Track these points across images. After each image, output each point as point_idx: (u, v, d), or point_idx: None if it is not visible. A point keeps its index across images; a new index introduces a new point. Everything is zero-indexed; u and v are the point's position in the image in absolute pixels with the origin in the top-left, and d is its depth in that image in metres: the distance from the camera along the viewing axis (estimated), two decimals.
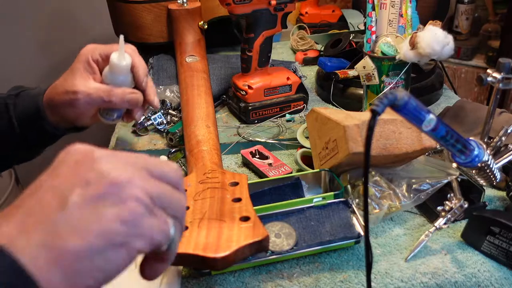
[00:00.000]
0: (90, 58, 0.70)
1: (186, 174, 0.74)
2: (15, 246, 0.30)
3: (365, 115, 0.67)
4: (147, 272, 0.38)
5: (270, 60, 0.94)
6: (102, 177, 0.33)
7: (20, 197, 0.33)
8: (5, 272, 0.29)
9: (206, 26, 1.05)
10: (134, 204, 0.33)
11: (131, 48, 0.71)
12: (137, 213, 0.33)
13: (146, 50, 1.08)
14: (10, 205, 0.33)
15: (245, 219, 0.53)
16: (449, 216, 0.61)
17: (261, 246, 0.51)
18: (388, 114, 0.61)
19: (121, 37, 0.67)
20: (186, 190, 0.51)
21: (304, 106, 0.95)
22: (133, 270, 0.60)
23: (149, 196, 0.35)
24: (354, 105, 0.93)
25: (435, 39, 0.72)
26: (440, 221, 0.61)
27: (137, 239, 0.33)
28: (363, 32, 1.08)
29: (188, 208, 0.56)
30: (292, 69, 1.05)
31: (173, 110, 0.94)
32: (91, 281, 0.32)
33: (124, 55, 0.68)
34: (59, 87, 0.70)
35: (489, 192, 0.70)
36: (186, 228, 0.52)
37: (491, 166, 0.57)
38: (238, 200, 0.57)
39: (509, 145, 0.65)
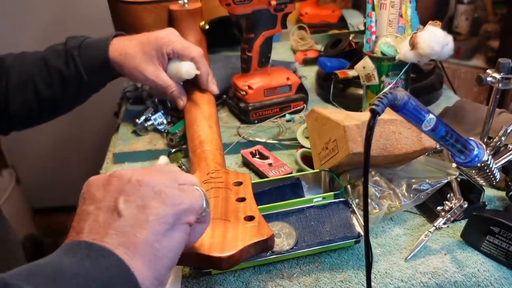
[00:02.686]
0: (165, 50, 0.82)
1: None
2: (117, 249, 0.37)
3: (365, 115, 0.67)
4: (192, 236, 0.45)
5: (270, 60, 0.94)
6: (130, 182, 0.40)
7: (72, 228, 0.40)
8: (114, 267, 0.36)
9: (207, 27, 1.05)
10: (167, 190, 0.41)
11: (198, 52, 0.84)
12: (174, 194, 0.41)
13: None
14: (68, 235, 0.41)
15: (250, 218, 0.54)
16: (448, 216, 0.61)
17: (266, 245, 0.52)
18: (388, 114, 0.61)
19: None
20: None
21: (304, 106, 0.95)
22: None
23: (172, 179, 0.43)
24: (354, 105, 0.93)
25: (435, 40, 0.73)
26: (440, 221, 0.61)
27: (184, 214, 0.41)
28: (363, 32, 1.08)
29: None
30: (292, 69, 1.05)
31: (174, 110, 0.94)
32: (166, 260, 0.39)
33: (194, 71, 0.83)
34: (130, 60, 0.81)
35: (489, 192, 0.70)
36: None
37: (490, 166, 0.57)
38: (242, 199, 0.57)
39: (508, 145, 0.65)
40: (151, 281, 0.38)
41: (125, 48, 0.81)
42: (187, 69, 0.83)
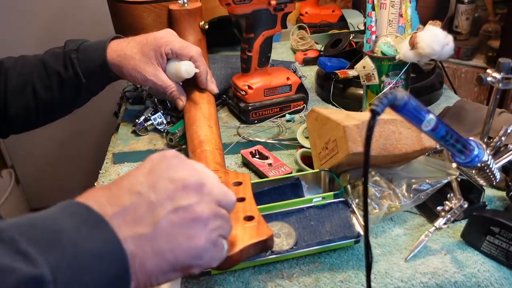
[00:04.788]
0: (163, 50, 0.82)
1: None
2: (121, 232, 0.37)
3: (365, 115, 0.67)
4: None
5: (270, 60, 0.94)
6: (188, 209, 0.40)
7: (120, 183, 0.41)
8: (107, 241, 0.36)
9: (207, 26, 1.05)
10: (210, 234, 0.42)
11: (197, 51, 0.84)
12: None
13: None
14: (109, 185, 0.41)
15: (249, 218, 0.54)
16: (449, 216, 0.61)
17: (266, 245, 0.52)
18: (388, 114, 0.61)
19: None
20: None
21: (304, 106, 0.95)
22: None
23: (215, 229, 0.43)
24: (354, 105, 0.93)
25: (435, 39, 0.72)
26: (440, 221, 0.61)
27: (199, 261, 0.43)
28: (363, 32, 1.08)
29: None
30: (292, 69, 1.05)
31: (173, 110, 0.94)
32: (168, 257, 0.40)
33: (193, 70, 0.83)
34: (129, 61, 0.80)
35: (489, 192, 0.70)
36: None
37: (490, 166, 0.57)
38: (242, 199, 0.57)
39: (508, 145, 0.65)
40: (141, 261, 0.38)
41: (124, 49, 0.81)
42: (186, 68, 0.83)
